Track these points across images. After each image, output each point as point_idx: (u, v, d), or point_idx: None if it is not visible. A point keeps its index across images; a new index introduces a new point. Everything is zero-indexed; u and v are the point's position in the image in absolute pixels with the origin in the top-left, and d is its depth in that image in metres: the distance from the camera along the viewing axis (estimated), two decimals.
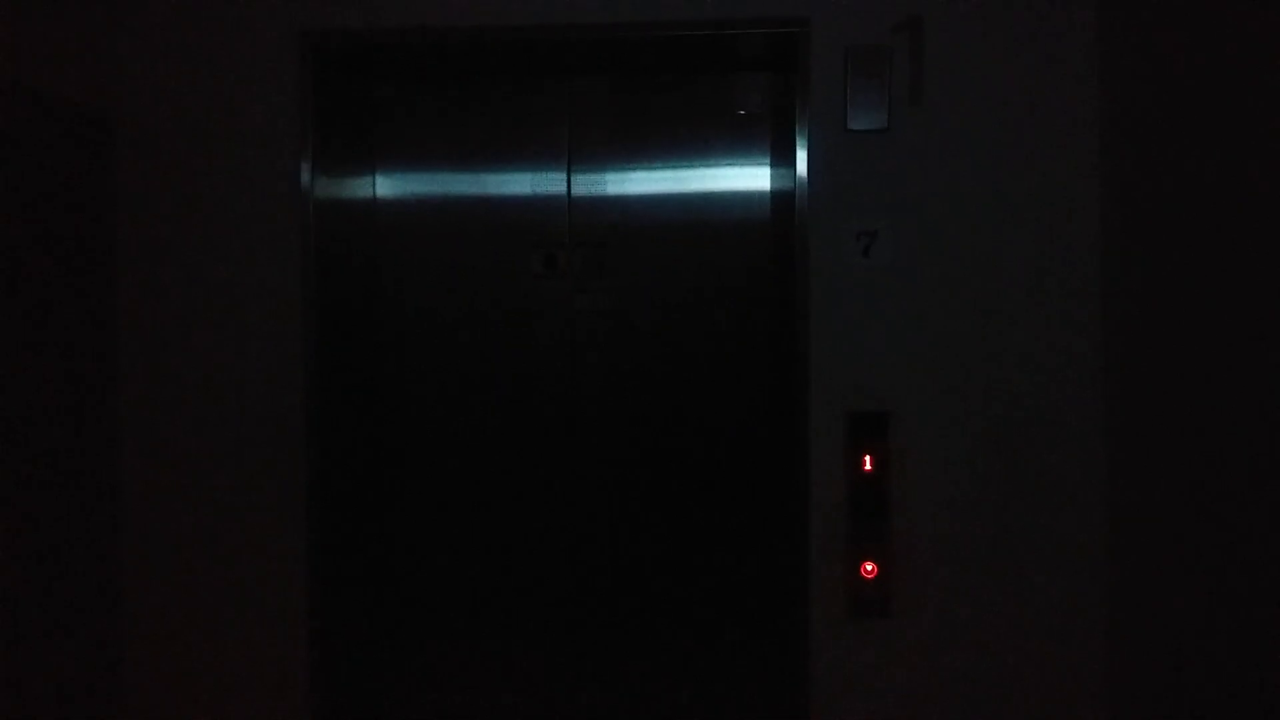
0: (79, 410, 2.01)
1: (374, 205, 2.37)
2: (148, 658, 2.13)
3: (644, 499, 2.35)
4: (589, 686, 2.36)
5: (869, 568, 2.05)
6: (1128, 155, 1.93)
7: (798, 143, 2.05)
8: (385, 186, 2.38)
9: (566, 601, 2.37)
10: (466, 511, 2.38)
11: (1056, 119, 2.01)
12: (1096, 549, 2.01)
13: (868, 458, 2.05)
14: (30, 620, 1.86)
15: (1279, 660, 1.46)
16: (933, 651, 2.04)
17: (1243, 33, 1.56)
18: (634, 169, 2.34)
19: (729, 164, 2.31)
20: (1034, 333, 2.02)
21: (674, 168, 2.33)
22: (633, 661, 2.36)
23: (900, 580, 2.04)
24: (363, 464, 2.33)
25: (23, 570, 1.84)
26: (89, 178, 2.05)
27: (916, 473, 2.04)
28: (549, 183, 2.35)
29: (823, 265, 2.04)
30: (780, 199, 2.23)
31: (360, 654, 2.33)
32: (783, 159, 2.19)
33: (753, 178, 2.31)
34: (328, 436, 2.15)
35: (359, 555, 2.31)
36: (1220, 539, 1.61)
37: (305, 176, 2.10)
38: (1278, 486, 1.46)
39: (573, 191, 2.35)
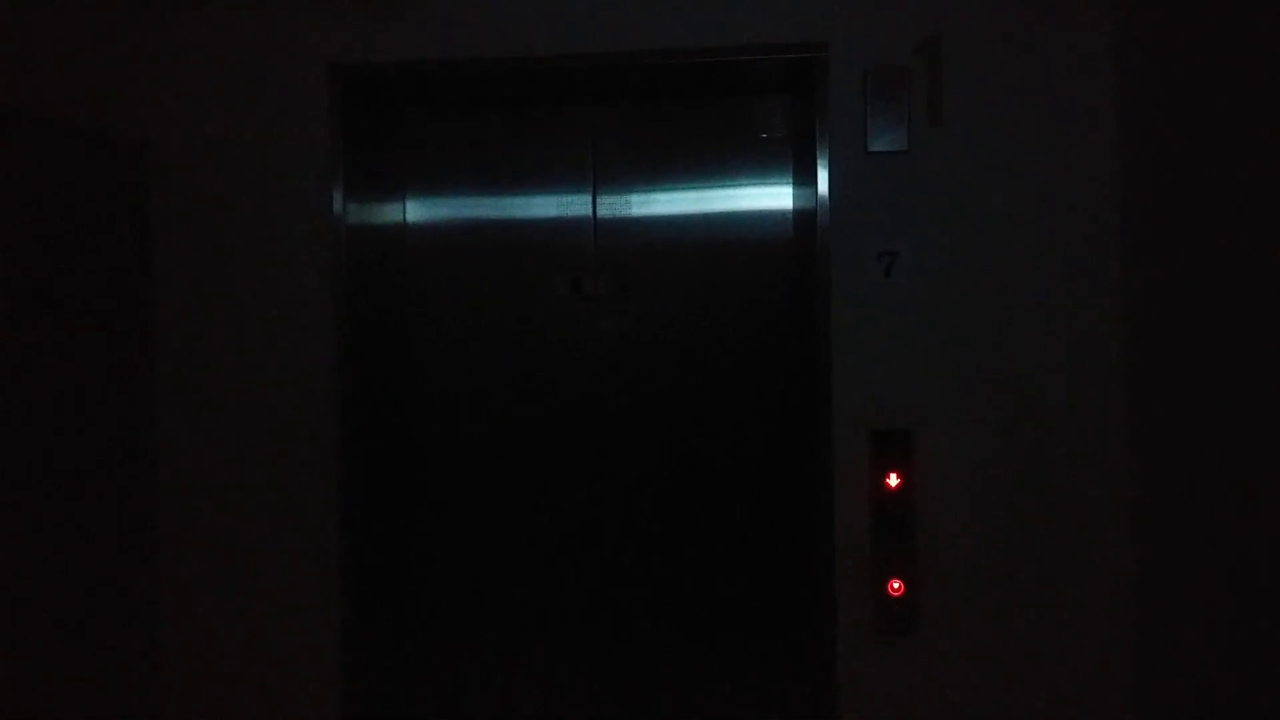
0: (115, 434, 2.07)
1: (404, 230, 2.42)
2: (184, 656, 2.18)
3: (669, 515, 2.38)
4: (617, 699, 2.38)
5: (895, 585, 2.05)
6: (1148, 172, 1.93)
7: (819, 164, 2.07)
8: (415, 211, 2.43)
9: (594, 614, 2.39)
10: (494, 528, 2.41)
11: (1076, 136, 2.02)
12: (1122, 562, 2.01)
13: (891, 475, 2.06)
14: (71, 621, 1.92)
15: None
16: (960, 667, 2.04)
17: (1263, 45, 1.57)
18: (658, 192, 2.37)
19: (751, 185, 2.34)
20: (1056, 349, 2.03)
21: (697, 190, 2.36)
22: (660, 674, 2.37)
23: (926, 597, 2.05)
24: (394, 480, 2.37)
25: (63, 575, 1.91)
26: (123, 206, 2.11)
27: (941, 490, 2.05)
28: (574, 206, 2.39)
29: (845, 285, 2.06)
30: (802, 219, 2.26)
31: (393, 655, 2.37)
32: (804, 180, 2.21)
33: (775, 198, 2.34)
34: (359, 454, 2.20)
35: (391, 564, 2.35)
36: (1246, 551, 1.61)
37: (337, 203, 2.16)
38: None
39: (598, 214, 2.39)
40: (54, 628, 1.88)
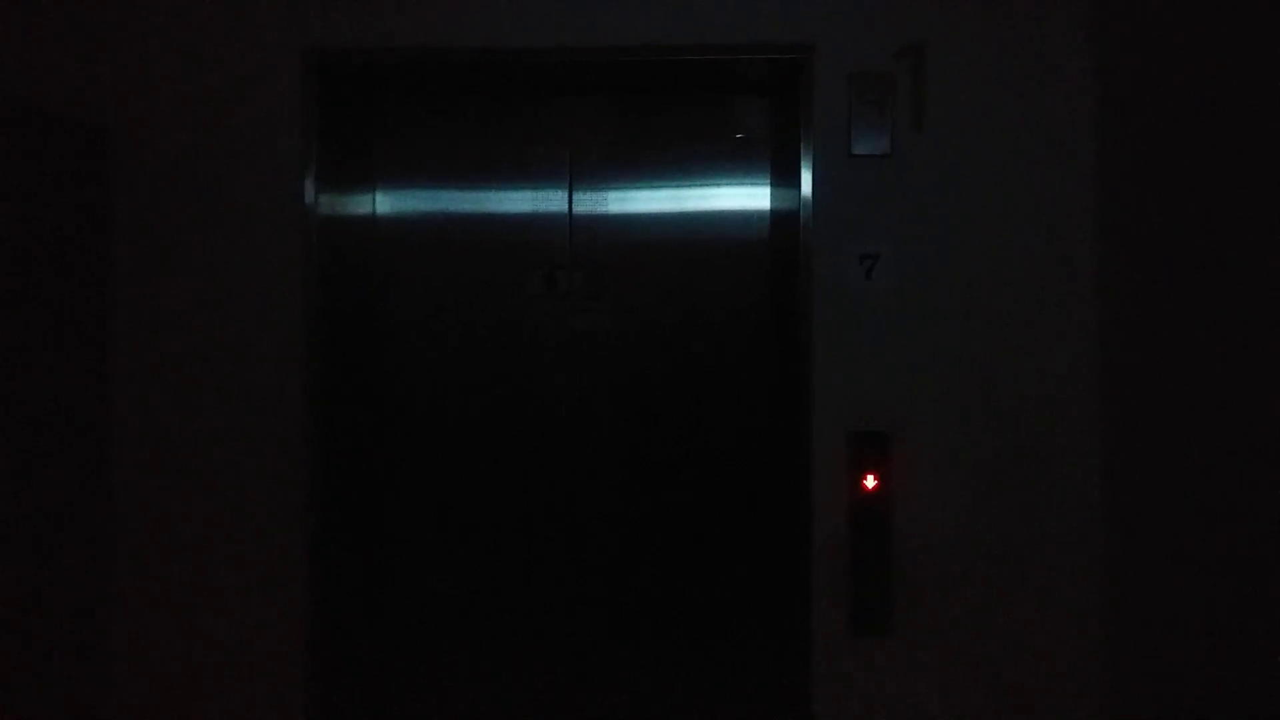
0: (74, 423, 1.99)
1: (374, 222, 2.36)
2: (141, 656, 2.11)
3: (644, 516, 2.36)
4: (591, 696, 2.36)
5: (871, 584, 2.07)
6: (1124, 177, 1.98)
7: (802, 166, 2.08)
8: (385, 203, 2.38)
9: (567, 616, 2.37)
10: (465, 527, 2.37)
11: (1055, 142, 2.06)
12: (1095, 565, 2.05)
13: (869, 477, 2.07)
14: (21, 617, 1.84)
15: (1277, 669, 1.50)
16: (933, 668, 2.07)
17: (1238, 52, 1.61)
18: (635, 189, 2.35)
19: (729, 185, 2.34)
20: (1033, 353, 2.06)
21: (675, 188, 2.35)
22: (635, 672, 2.36)
23: (902, 596, 2.07)
24: (361, 475, 2.32)
25: (13, 568, 1.83)
26: (81, 194, 2.02)
27: (917, 491, 2.07)
28: (550, 202, 2.36)
29: (826, 288, 2.07)
30: (780, 220, 2.26)
31: (358, 655, 2.31)
32: (784, 181, 2.22)
33: (753, 199, 2.33)
34: (327, 449, 2.15)
35: (358, 562, 2.30)
36: (1217, 555, 1.65)
37: (309, 193, 2.10)
38: (1269, 498, 1.50)
39: (573, 211, 2.36)
40: (3, 612, 1.79)
